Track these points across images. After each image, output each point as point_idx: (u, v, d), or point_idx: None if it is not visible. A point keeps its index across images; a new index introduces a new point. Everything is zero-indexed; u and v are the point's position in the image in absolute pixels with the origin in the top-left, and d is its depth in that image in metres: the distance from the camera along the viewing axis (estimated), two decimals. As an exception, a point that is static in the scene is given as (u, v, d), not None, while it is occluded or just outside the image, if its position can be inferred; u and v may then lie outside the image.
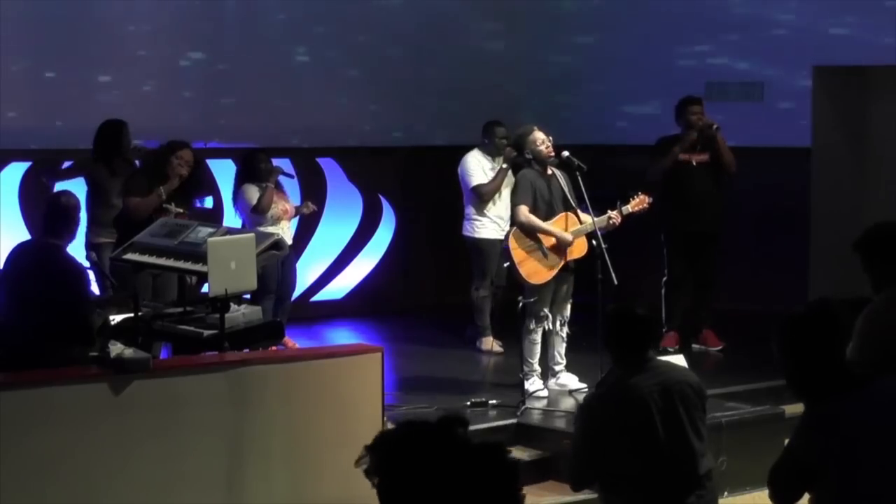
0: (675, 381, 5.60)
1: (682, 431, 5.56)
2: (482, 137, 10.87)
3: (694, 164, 10.53)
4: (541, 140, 9.10)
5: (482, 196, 10.67)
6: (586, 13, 13.25)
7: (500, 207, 10.62)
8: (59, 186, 10.67)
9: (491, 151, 10.79)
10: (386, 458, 2.76)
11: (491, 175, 10.69)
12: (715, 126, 10.46)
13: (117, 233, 8.98)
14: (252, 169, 10.15)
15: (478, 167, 10.73)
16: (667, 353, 9.57)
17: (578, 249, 9.05)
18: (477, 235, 10.72)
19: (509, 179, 10.42)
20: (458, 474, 2.69)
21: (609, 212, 9.06)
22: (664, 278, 10.69)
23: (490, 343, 10.78)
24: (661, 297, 10.63)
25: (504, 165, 10.60)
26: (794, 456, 4.41)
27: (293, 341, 10.22)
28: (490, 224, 10.67)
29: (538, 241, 9.00)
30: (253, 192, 10.06)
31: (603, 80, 13.09)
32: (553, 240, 9.00)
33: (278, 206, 10.14)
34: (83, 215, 7.95)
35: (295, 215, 10.50)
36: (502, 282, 10.64)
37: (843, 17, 12.00)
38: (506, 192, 10.47)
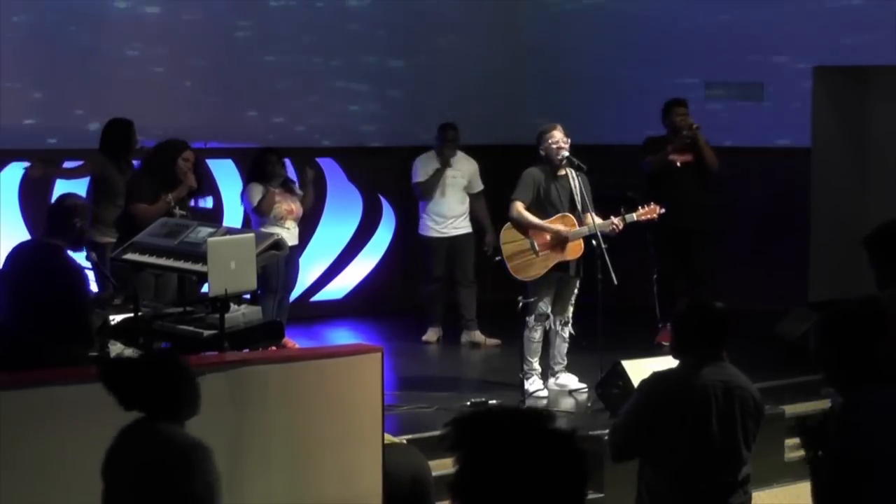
0: (738, 386, 5.60)
1: (734, 435, 5.54)
2: (436, 139, 11.22)
3: (678, 164, 10.67)
4: (556, 139, 9.06)
5: (420, 194, 11.09)
6: (586, 12, 13.25)
7: (441, 206, 11.02)
8: (62, 185, 10.68)
9: (439, 152, 11.09)
10: (472, 433, 2.79)
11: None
12: (695, 126, 10.55)
13: (119, 234, 8.94)
14: (260, 169, 10.29)
15: (422, 167, 11.09)
16: (662, 347, 9.59)
17: (573, 251, 9.03)
18: (421, 233, 11.18)
19: (456, 180, 10.98)
20: (540, 459, 2.74)
21: (612, 217, 9.04)
22: (654, 275, 10.79)
23: (432, 334, 11.17)
24: (653, 294, 10.73)
25: (439, 167, 10.96)
26: (840, 452, 4.26)
27: (293, 341, 10.22)
28: (429, 221, 11.07)
29: (530, 238, 9.00)
30: (256, 192, 10.20)
31: (603, 79, 13.08)
32: (547, 237, 8.99)
33: (282, 207, 10.22)
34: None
35: (303, 186, 10.58)
36: (471, 276, 11.05)
37: (843, 18, 12.00)
38: (450, 191, 10.97)
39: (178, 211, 8.80)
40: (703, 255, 10.88)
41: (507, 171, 10.51)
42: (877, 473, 4.19)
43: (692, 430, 5.49)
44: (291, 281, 10.59)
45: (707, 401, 5.50)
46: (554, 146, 9.03)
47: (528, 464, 2.73)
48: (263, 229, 9.84)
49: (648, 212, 9.22)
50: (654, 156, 10.65)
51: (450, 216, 11.04)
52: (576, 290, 9.17)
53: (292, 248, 10.22)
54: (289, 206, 10.27)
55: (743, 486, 5.63)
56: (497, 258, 9.18)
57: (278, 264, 9.58)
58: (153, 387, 4.95)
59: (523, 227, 9.01)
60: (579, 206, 9.02)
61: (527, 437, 2.76)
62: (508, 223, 9.11)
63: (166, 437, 4.95)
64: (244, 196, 10.36)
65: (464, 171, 11.11)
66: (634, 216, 9.16)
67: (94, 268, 8.08)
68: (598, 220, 8.96)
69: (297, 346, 10.16)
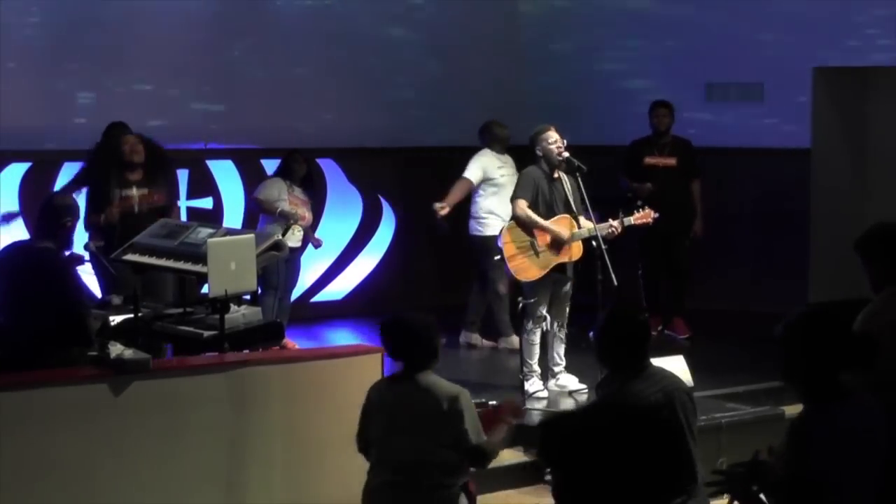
0: (675, 388, 5.59)
1: (683, 438, 5.54)
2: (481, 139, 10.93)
3: (660, 166, 11.13)
4: (553, 139, 9.07)
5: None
6: (585, 13, 13.25)
7: (500, 206, 10.46)
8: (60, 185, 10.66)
9: (497, 150, 10.86)
10: (565, 441, 2.81)
11: (496, 175, 10.71)
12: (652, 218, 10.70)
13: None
14: (287, 165, 10.54)
15: (479, 165, 10.74)
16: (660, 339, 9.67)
17: (574, 252, 9.04)
18: (479, 233, 10.76)
19: (510, 179, 10.49)
20: (630, 441, 2.80)
21: (610, 220, 9.05)
22: (639, 269, 11.13)
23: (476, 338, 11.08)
24: (639, 287, 11.10)
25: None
26: (795, 466, 4.25)
27: (293, 342, 10.22)
28: (490, 220, 10.64)
29: (532, 238, 9.00)
30: (271, 189, 10.40)
31: (603, 80, 13.08)
32: (548, 238, 8.99)
33: (297, 212, 10.34)
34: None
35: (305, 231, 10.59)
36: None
37: (843, 18, 12.00)
38: (506, 192, 10.47)
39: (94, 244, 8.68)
40: (685, 251, 11.23)
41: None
42: (833, 494, 4.15)
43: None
44: (292, 280, 10.61)
45: (657, 416, 5.46)
46: (553, 147, 9.03)
47: (622, 453, 2.77)
48: (270, 226, 10.05)
49: (643, 216, 9.28)
50: (632, 180, 11.05)
51: (506, 216, 10.89)
52: (571, 291, 9.16)
53: (295, 249, 10.28)
54: (303, 213, 10.41)
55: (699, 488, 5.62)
56: (497, 258, 9.19)
57: (278, 262, 9.60)
58: (419, 341, 5.90)
59: (527, 227, 9.00)
60: (575, 209, 9.03)
61: (617, 430, 2.80)
62: (511, 222, 9.10)
63: (431, 385, 5.77)
64: (261, 185, 10.60)
65: (514, 169, 10.99)
66: (631, 220, 9.18)
67: (93, 258, 8.06)
68: (591, 225, 8.95)
69: (297, 346, 10.16)
